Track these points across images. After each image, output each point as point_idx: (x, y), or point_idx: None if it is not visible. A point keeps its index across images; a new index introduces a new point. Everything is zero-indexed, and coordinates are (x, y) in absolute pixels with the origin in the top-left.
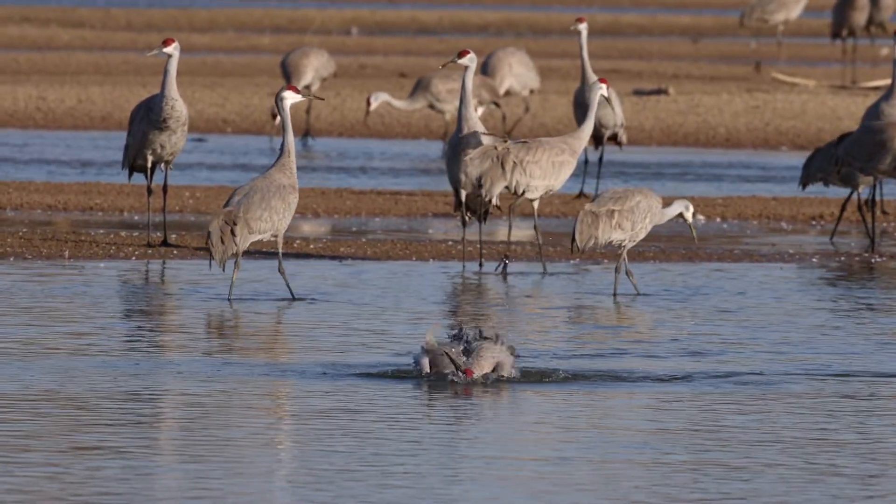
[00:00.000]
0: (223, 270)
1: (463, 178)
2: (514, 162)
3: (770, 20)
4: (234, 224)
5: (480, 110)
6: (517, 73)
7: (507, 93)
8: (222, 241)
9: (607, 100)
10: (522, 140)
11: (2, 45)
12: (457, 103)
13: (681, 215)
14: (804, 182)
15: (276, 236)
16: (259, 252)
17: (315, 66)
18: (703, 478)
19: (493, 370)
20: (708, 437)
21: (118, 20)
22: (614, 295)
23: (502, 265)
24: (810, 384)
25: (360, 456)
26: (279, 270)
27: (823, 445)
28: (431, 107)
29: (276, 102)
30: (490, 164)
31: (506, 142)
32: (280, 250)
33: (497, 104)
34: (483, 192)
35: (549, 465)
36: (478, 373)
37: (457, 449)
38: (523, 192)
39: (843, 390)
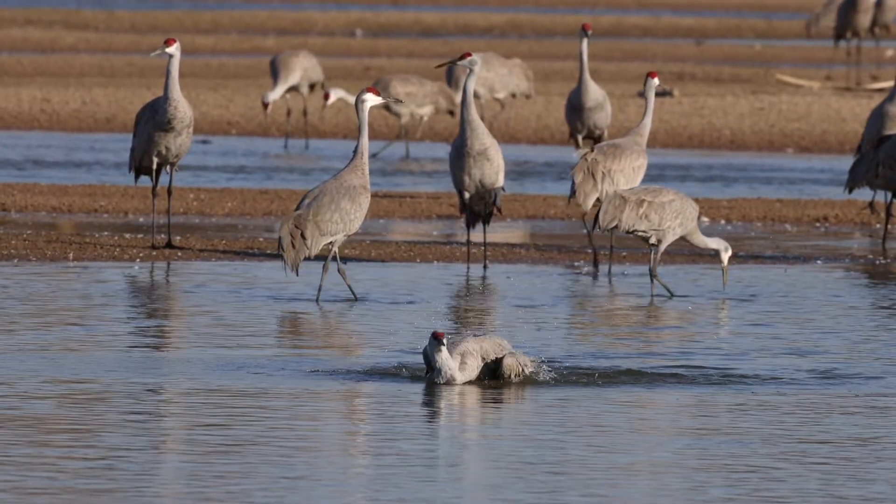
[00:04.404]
0: (297, 275)
1: (467, 179)
2: (603, 172)
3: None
4: (304, 228)
5: (427, 111)
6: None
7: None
8: (293, 246)
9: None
10: (606, 145)
11: (6, 47)
12: (413, 107)
13: (718, 254)
14: (850, 186)
15: (347, 237)
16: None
17: (304, 66)
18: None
19: (501, 373)
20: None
21: (122, 22)
22: (670, 296)
23: None
24: (864, 385)
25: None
26: (339, 271)
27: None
28: (387, 108)
29: (356, 104)
30: (582, 177)
31: (592, 150)
32: (337, 250)
33: (452, 112)
34: (580, 202)
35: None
36: (459, 376)
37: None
38: None
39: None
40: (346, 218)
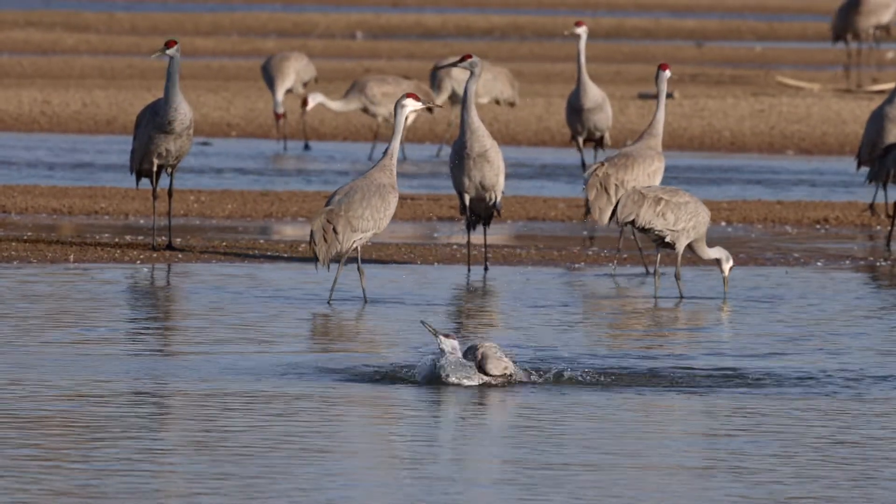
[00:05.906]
0: (328, 270)
1: (466, 181)
2: (616, 184)
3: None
4: (337, 223)
5: (412, 116)
6: (460, 79)
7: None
8: (325, 241)
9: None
10: (617, 156)
11: (7, 48)
12: (391, 107)
13: (718, 262)
14: (871, 180)
15: (375, 234)
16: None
17: (296, 69)
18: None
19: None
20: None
21: (123, 24)
22: (681, 297)
23: None
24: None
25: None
26: (357, 270)
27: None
28: (365, 110)
29: (395, 108)
30: (595, 193)
31: (602, 164)
32: (359, 250)
33: (430, 110)
34: (596, 218)
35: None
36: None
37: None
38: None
39: None
40: (376, 216)
